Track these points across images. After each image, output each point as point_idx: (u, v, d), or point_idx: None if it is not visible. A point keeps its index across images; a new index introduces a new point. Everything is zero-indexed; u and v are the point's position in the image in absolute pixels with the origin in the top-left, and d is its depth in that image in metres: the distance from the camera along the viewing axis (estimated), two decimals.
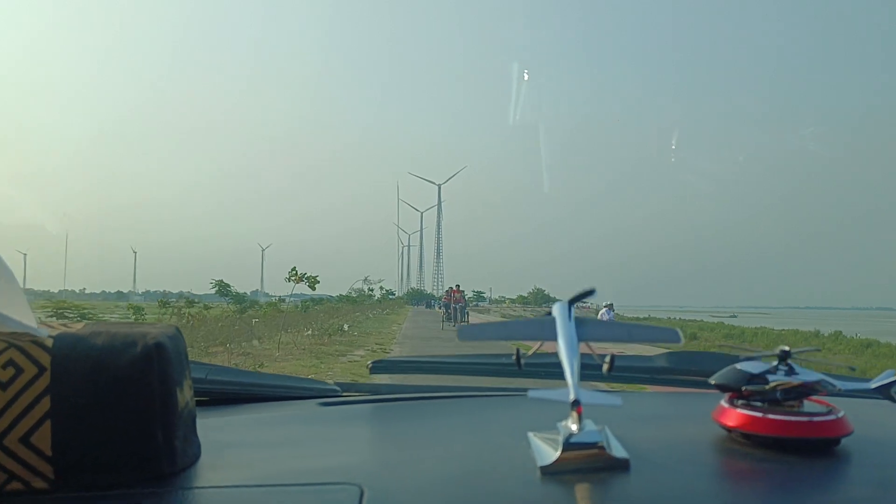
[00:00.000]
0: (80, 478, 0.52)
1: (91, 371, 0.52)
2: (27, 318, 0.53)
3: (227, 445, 0.68)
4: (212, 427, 0.72)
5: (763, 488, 0.53)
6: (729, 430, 0.64)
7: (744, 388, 0.64)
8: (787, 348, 0.64)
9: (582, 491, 0.50)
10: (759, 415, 0.62)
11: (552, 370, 0.60)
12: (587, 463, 0.54)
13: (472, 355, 1.18)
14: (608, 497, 0.51)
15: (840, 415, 0.62)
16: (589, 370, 0.67)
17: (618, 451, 0.56)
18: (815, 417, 0.61)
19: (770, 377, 0.63)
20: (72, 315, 9.94)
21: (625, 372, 1.10)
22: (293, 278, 12.37)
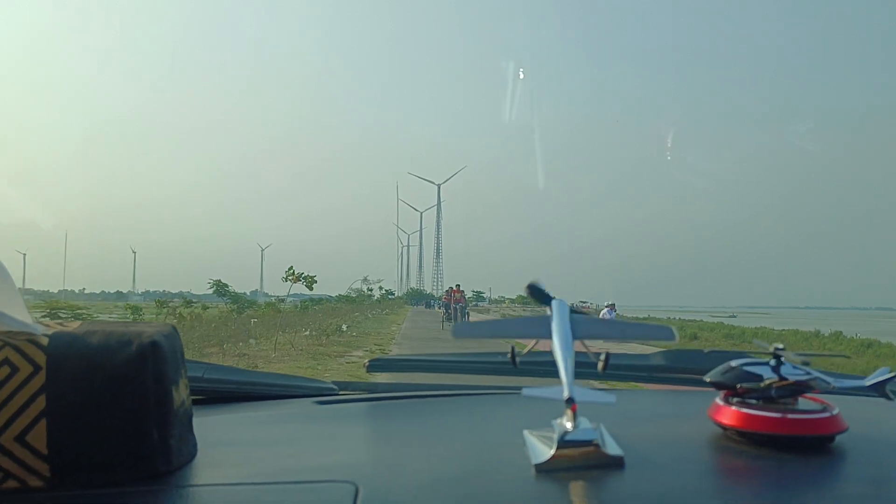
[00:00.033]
0: (75, 476, 0.52)
1: (86, 370, 0.52)
2: (23, 317, 0.53)
3: (224, 444, 0.68)
4: (209, 426, 0.72)
5: (758, 486, 0.53)
6: (724, 427, 0.64)
7: (739, 386, 0.64)
8: (781, 346, 0.64)
9: (576, 488, 0.51)
10: (754, 412, 0.62)
11: (548, 368, 0.60)
12: (582, 461, 0.54)
13: (468, 354, 1.18)
14: (603, 494, 0.51)
15: (835, 412, 0.62)
16: (584, 368, 0.67)
17: (612, 448, 0.56)
18: (810, 415, 0.61)
19: (765, 375, 0.63)
20: (66, 315, 9.89)
21: (620, 370, 1.10)
22: (290, 278, 12.23)
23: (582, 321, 0.62)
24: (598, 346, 0.64)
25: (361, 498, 0.49)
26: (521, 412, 0.81)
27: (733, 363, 0.66)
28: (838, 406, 0.63)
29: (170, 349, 0.57)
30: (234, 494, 0.53)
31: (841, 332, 25.26)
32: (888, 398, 0.70)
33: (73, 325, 0.57)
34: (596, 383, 1.76)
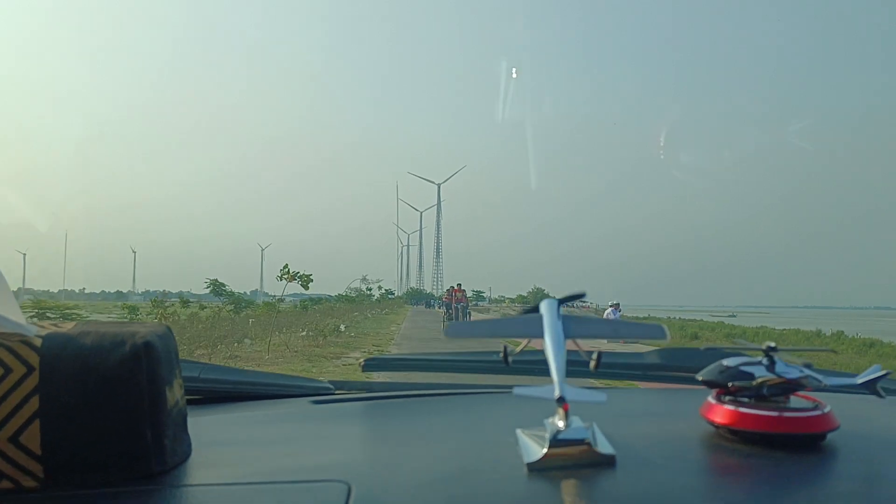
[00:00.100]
0: (69, 477, 0.52)
1: (80, 370, 0.52)
2: (16, 318, 0.54)
3: (219, 444, 0.69)
4: (204, 425, 0.73)
5: (750, 484, 0.54)
6: (716, 426, 0.64)
7: (730, 384, 0.64)
8: (773, 344, 0.65)
9: (568, 487, 0.51)
10: (746, 411, 0.62)
11: (541, 367, 0.60)
12: (574, 459, 0.54)
13: (463, 353, 1.19)
14: (594, 493, 0.51)
15: (826, 410, 0.62)
16: (577, 367, 0.67)
17: (604, 447, 0.56)
18: (802, 413, 0.61)
19: (756, 373, 0.63)
20: (54, 315, 9.73)
21: (613, 368, 1.10)
22: (285, 277, 11.94)
23: (573, 320, 0.62)
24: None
25: (354, 497, 0.49)
26: (514, 411, 0.81)
27: (725, 362, 0.66)
28: (830, 404, 0.64)
29: (164, 349, 0.57)
30: (227, 494, 0.53)
31: (842, 332, 25.20)
32: (879, 396, 0.70)
33: (67, 326, 0.57)
34: (596, 382, 1.77)
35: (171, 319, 10.89)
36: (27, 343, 0.52)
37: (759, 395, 0.63)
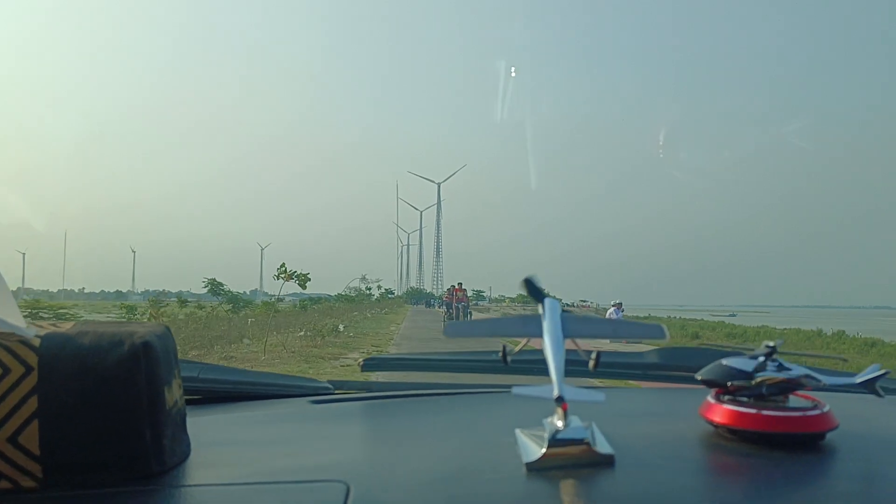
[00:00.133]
0: (68, 477, 0.52)
1: (78, 371, 0.52)
2: (15, 318, 0.54)
3: (218, 444, 0.69)
4: (203, 425, 0.73)
5: (749, 483, 0.54)
6: (715, 425, 0.64)
7: (730, 384, 0.64)
8: (772, 344, 0.65)
9: (567, 487, 0.51)
10: (745, 410, 0.62)
11: (540, 366, 0.60)
12: (573, 459, 0.54)
13: (462, 352, 1.19)
14: (593, 493, 0.51)
15: (825, 409, 0.62)
16: (577, 366, 0.67)
17: (603, 447, 0.56)
18: (801, 412, 0.61)
19: (755, 373, 0.63)
20: (47, 315, 9.67)
21: (613, 368, 1.11)
22: (282, 276, 11.66)
23: (573, 320, 0.62)
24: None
25: (353, 497, 0.49)
26: (513, 411, 0.81)
27: (724, 361, 0.66)
28: (829, 403, 0.64)
29: (162, 349, 0.57)
30: (226, 494, 0.53)
31: (843, 332, 25.16)
32: (878, 395, 0.70)
33: (66, 326, 0.57)
34: (596, 382, 1.77)
35: (160, 320, 10.75)
36: (26, 343, 0.52)
37: (759, 395, 0.63)
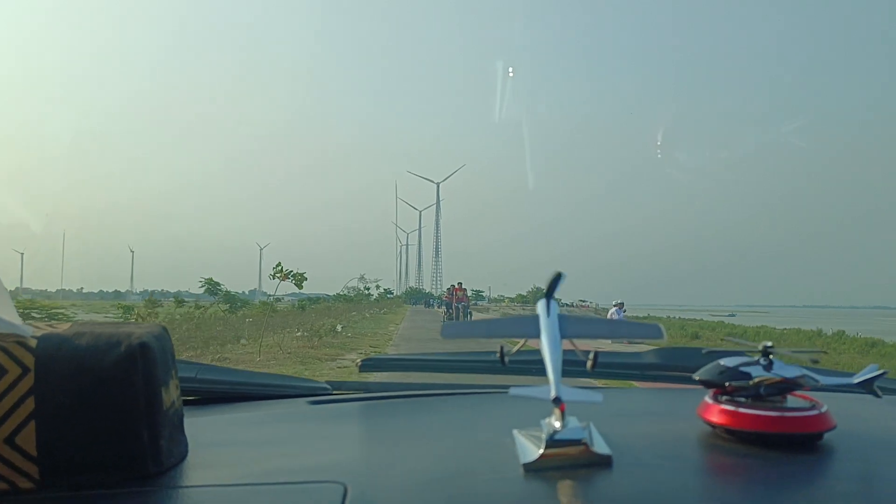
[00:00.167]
0: (65, 478, 0.52)
1: (75, 371, 0.52)
2: (12, 319, 0.54)
3: (216, 444, 0.69)
4: (201, 426, 0.73)
5: (747, 484, 0.54)
6: (713, 425, 0.65)
7: (727, 384, 0.64)
8: (769, 344, 0.65)
9: (565, 488, 0.51)
10: (743, 410, 0.62)
11: (538, 367, 0.60)
12: (570, 460, 0.54)
13: (460, 353, 1.19)
14: (591, 494, 0.51)
15: (823, 410, 0.62)
16: (575, 366, 0.67)
17: (601, 447, 0.56)
18: (798, 413, 0.61)
19: (753, 373, 0.63)
20: (39, 315, 9.61)
21: (611, 368, 1.11)
22: (278, 275, 11.37)
23: (570, 320, 0.62)
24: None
25: (350, 498, 0.49)
26: (511, 411, 0.81)
27: (722, 361, 0.66)
28: (827, 403, 0.64)
29: (160, 350, 0.57)
30: (224, 495, 0.53)
31: (843, 332, 25.16)
32: (876, 395, 0.70)
33: (63, 327, 0.57)
34: (596, 382, 1.77)
35: (149, 320, 10.67)
36: (22, 344, 0.52)
37: (757, 395, 0.63)
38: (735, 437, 0.63)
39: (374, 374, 1.42)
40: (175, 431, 0.59)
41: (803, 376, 0.63)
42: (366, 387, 1.11)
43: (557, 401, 0.53)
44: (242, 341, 11.74)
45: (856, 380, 0.68)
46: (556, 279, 0.60)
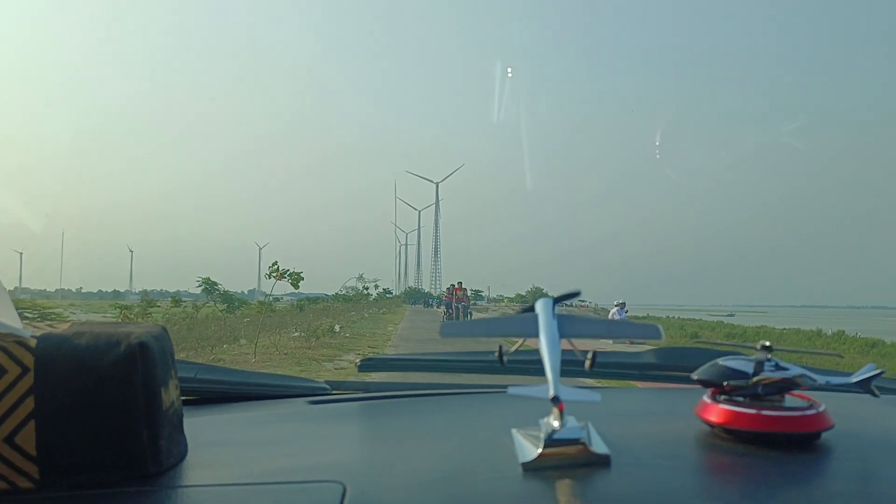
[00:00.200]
0: (65, 478, 0.52)
1: (75, 371, 0.52)
2: (11, 319, 0.54)
3: (215, 444, 0.69)
4: (200, 426, 0.73)
5: (745, 483, 0.54)
6: (711, 425, 0.65)
7: (726, 384, 0.64)
8: (768, 343, 0.65)
9: (563, 487, 0.51)
10: (741, 410, 0.62)
11: (536, 366, 0.60)
12: (568, 459, 0.54)
13: (459, 353, 1.19)
14: (589, 493, 0.51)
15: (821, 409, 0.62)
16: (573, 366, 0.68)
17: (599, 447, 0.56)
18: (796, 412, 0.62)
19: (751, 372, 0.63)
20: (31, 315, 9.49)
21: (610, 367, 1.11)
22: (273, 274, 11.08)
23: (569, 320, 0.62)
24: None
25: (349, 498, 0.49)
26: (510, 410, 0.81)
27: (720, 361, 0.66)
28: (825, 403, 0.64)
29: (159, 350, 0.57)
30: (223, 495, 0.53)
31: (843, 332, 25.11)
32: (874, 395, 0.70)
33: (62, 327, 0.57)
34: (595, 382, 1.77)
35: (139, 320, 10.51)
36: (22, 344, 0.53)
37: (755, 395, 0.63)
38: (733, 437, 0.63)
39: (373, 373, 1.42)
40: (174, 431, 0.59)
41: (801, 376, 0.64)
42: (365, 386, 1.11)
43: (556, 400, 0.53)
44: (242, 342, 11.59)
45: (853, 379, 0.68)
46: (573, 294, 0.61)
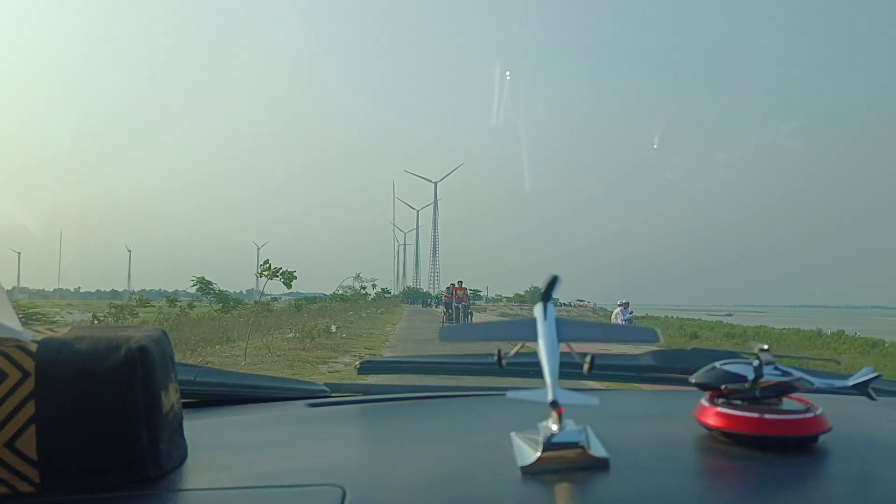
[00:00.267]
0: (65, 482, 0.52)
1: (75, 375, 0.52)
2: (11, 323, 0.54)
3: (215, 447, 0.69)
4: (200, 429, 0.73)
5: (742, 486, 0.54)
6: (709, 428, 0.65)
7: (724, 387, 0.64)
8: (765, 346, 0.65)
9: (561, 491, 0.51)
10: (739, 413, 0.62)
11: (535, 369, 0.60)
12: (567, 463, 0.54)
13: (458, 355, 1.19)
14: (587, 497, 0.51)
15: (818, 412, 0.63)
16: (572, 369, 0.68)
17: (598, 450, 0.56)
18: (794, 415, 0.62)
19: (749, 375, 0.64)
20: (19, 317, 9.41)
21: (608, 370, 1.11)
22: (265, 273, 10.69)
23: (567, 324, 0.62)
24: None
25: (348, 501, 0.49)
26: (509, 413, 0.81)
27: (718, 364, 0.66)
28: (822, 406, 0.64)
29: (159, 354, 0.57)
30: (223, 498, 0.53)
31: (843, 332, 25.02)
32: (871, 398, 0.70)
33: (63, 331, 0.58)
34: (598, 385, 1.77)
35: (126, 321, 10.07)
36: (22, 348, 0.53)
37: (753, 398, 0.63)
38: (731, 440, 0.63)
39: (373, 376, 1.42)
40: (174, 435, 0.60)
41: (799, 379, 0.64)
42: (364, 389, 1.11)
43: (554, 404, 0.53)
44: (241, 343, 11.33)
45: (851, 382, 0.69)
46: (553, 282, 0.60)
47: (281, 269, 10.84)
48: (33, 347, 0.53)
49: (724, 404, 0.64)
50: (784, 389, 0.63)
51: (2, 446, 0.51)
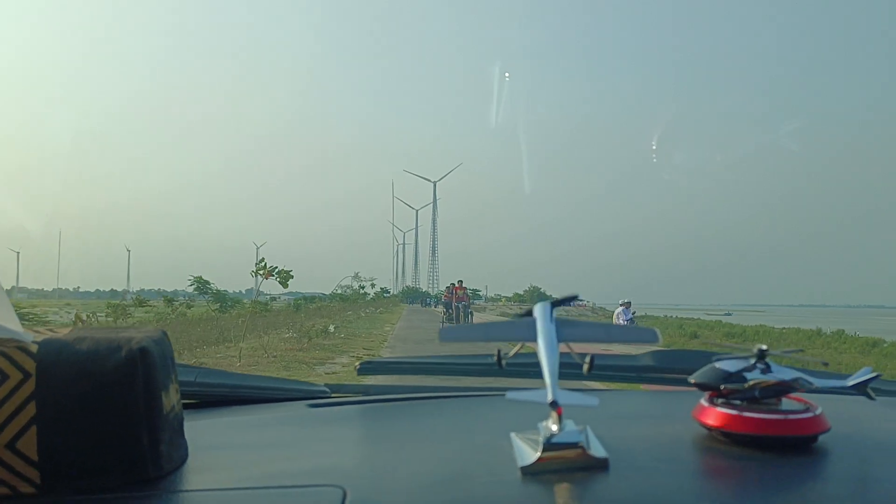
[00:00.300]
0: (66, 482, 0.52)
1: (76, 376, 0.52)
2: (12, 324, 0.54)
3: (215, 448, 0.69)
4: (200, 430, 0.73)
5: (742, 486, 0.54)
6: (708, 428, 0.65)
7: (723, 387, 0.65)
8: (764, 347, 0.65)
9: (561, 491, 0.51)
10: (738, 413, 0.62)
11: (535, 369, 0.60)
12: (567, 463, 0.54)
13: (458, 356, 1.19)
14: (587, 497, 0.51)
15: (817, 412, 0.63)
16: (572, 369, 0.68)
17: (597, 450, 0.56)
18: (793, 415, 0.62)
19: (748, 375, 0.64)
20: None
21: (608, 371, 1.11)
22: (260, 272, 10.51)
23: (567, 324, 0.63)
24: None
25: (349, 502, 0.49)
26: (509, 414, 0.81)
27: (718, 364, 0.67)
28: (821, 406, 0.64)
29: (159, 355, 0.57)
30: (223, 499, 0.53)
31: (843, 331, 24.97)
32: (870, 397, 0.71)
33: (63, 332, 0.58)
34: (599, 385, 1.78)
35: (121, 321, 9.99)
36: (23, 349, 0.53)
37: (752, 398, 0.64)
38: (730, 440, 0.63)
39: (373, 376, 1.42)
40: (175, 435, 0.60)
41: (798, 379, 0.64)
42: (364, 390, 1.11)
43: (554, 404, 0.53)
44: (237, 343, 11.20)
45: (850, 382, 0.69)
46: (571, 298, 0.62)
47: (277, 268, 10.68)
48: (34, 348, 0.53)
49: (723, 404, 0.64)
50: (783, 389, 0.64)
51: (3, 447, 0.51)
